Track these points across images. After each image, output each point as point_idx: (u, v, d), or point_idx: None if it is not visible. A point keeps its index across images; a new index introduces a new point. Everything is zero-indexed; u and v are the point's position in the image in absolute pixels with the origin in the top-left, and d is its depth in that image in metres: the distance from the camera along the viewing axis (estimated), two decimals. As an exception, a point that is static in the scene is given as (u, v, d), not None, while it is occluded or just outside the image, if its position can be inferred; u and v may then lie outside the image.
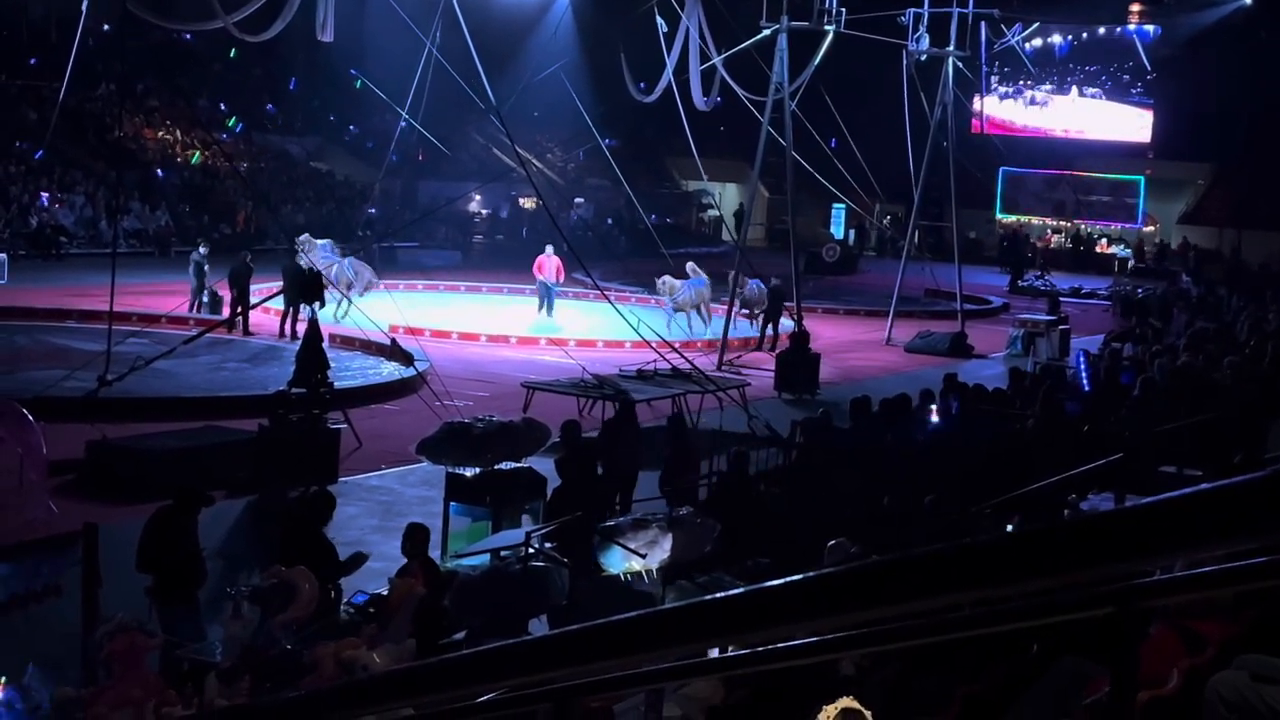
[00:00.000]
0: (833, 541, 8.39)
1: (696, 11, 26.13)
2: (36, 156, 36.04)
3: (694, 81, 27.21)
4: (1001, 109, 51.31)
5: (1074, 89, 51.01)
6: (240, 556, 12.02)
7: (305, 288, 19.48)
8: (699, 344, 24.49)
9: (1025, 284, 39.71)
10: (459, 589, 9.16)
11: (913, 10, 27.59)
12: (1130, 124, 50.65)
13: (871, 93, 33.12)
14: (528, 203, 44.18)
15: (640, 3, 26.68)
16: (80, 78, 29.64)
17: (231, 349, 22.64)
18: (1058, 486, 10.26)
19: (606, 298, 22.43)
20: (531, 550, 9.55)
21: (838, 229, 51.59)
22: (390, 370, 20.81)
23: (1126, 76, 50.25)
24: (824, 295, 33.10)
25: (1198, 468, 11.07)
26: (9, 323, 23.50)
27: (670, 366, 19.26)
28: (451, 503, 12.13)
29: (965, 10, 27.94)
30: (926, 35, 27.92)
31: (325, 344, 15.91)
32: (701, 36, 26.57)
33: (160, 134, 42.23)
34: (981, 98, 48.16)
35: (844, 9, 25.69)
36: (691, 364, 19.26)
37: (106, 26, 37.67)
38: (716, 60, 26.88)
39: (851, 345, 27.57)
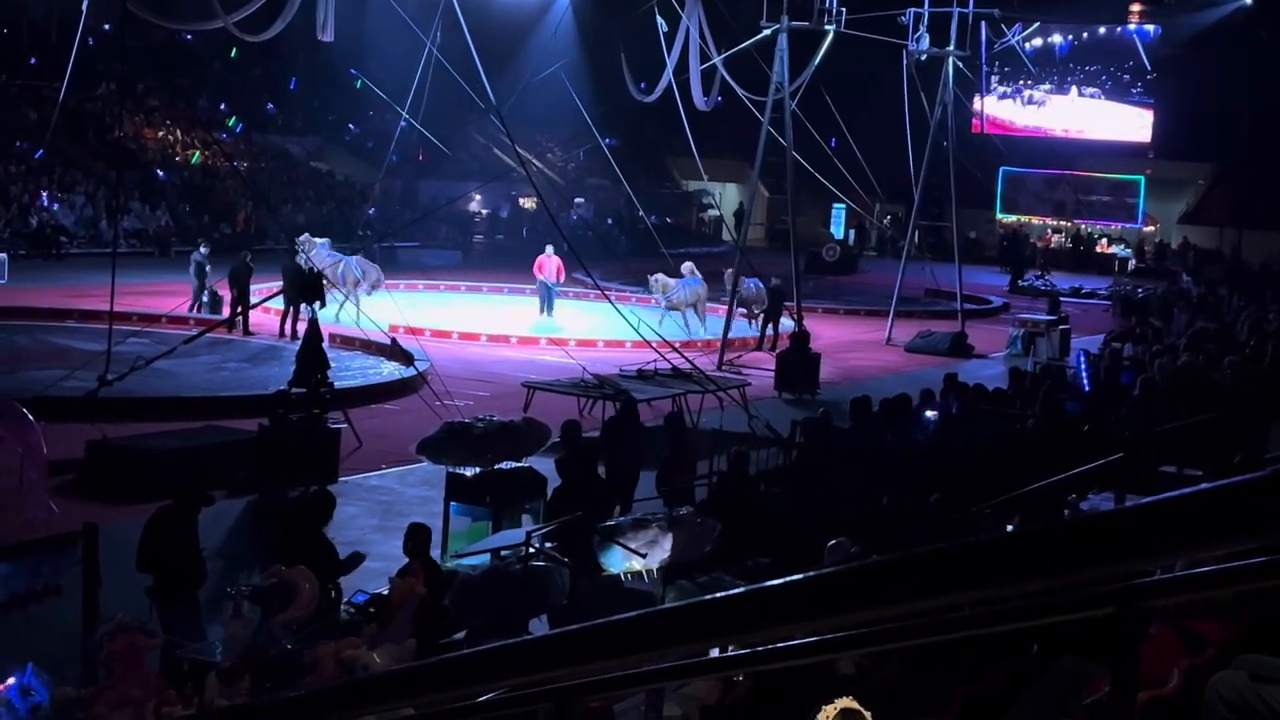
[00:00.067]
0: (833, 541, 8.40)
1: (697, 11, 26.13)
2: (37, 156, 36.04)
3: (694, 81, 27.21)
4: (1002, 109, 51.30)
5: (1073, 89, 51.00)
6: (240, 556, 12.02)
7: (305, 287, 19.50)
8: (699, 344, 24.49)
9: (1025, 284, 39.71)
10: (459, 589, 9.16)
11: (913, 10, 27.59)
12: (1130, 124, 50.65)
13: (871, 93, 33.11)
14: (528, 202, 44.18)
15: (640, 3, 26.68)
16: (80, 77, 29.65)
17: (231, 349, 22.64)
18: (1058, 486, 10.26)
19: (607, 298, 22.43)
20: (532, 550, 9.55)
21: (838, 229, 51.60)
22: (390, 370, 20.81)
23: (1127, 76, 50.25)
24: (824, 295, 33.10)
25: (1198, 468, 11.07)
26: (9, 322, 23.50)
27: (670, 366, 19.28)
28: (452, 502, 12.14)
29: (965, 10, 27.94)
30: (927, 35, 27.92)
31: (325, 344, 15.91)
32: (702, 36, 26.57)
33: (160, 134, 42.23)
34: (982, 98, 48.18)
35: (844, 9, 25.68)
36: (692, 364, 19.27)
37: (107, 26, 37.67)
38: (717, 60, 26.88)
39: (852, 345, 27.57)
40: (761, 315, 26.34)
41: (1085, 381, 17.88)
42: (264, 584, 8.35)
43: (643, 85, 29.55)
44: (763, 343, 25.64)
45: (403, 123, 26.84)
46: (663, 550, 9.88)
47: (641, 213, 31.41)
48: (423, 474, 14.67)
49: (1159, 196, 49.76)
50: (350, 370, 20.44)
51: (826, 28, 25.72)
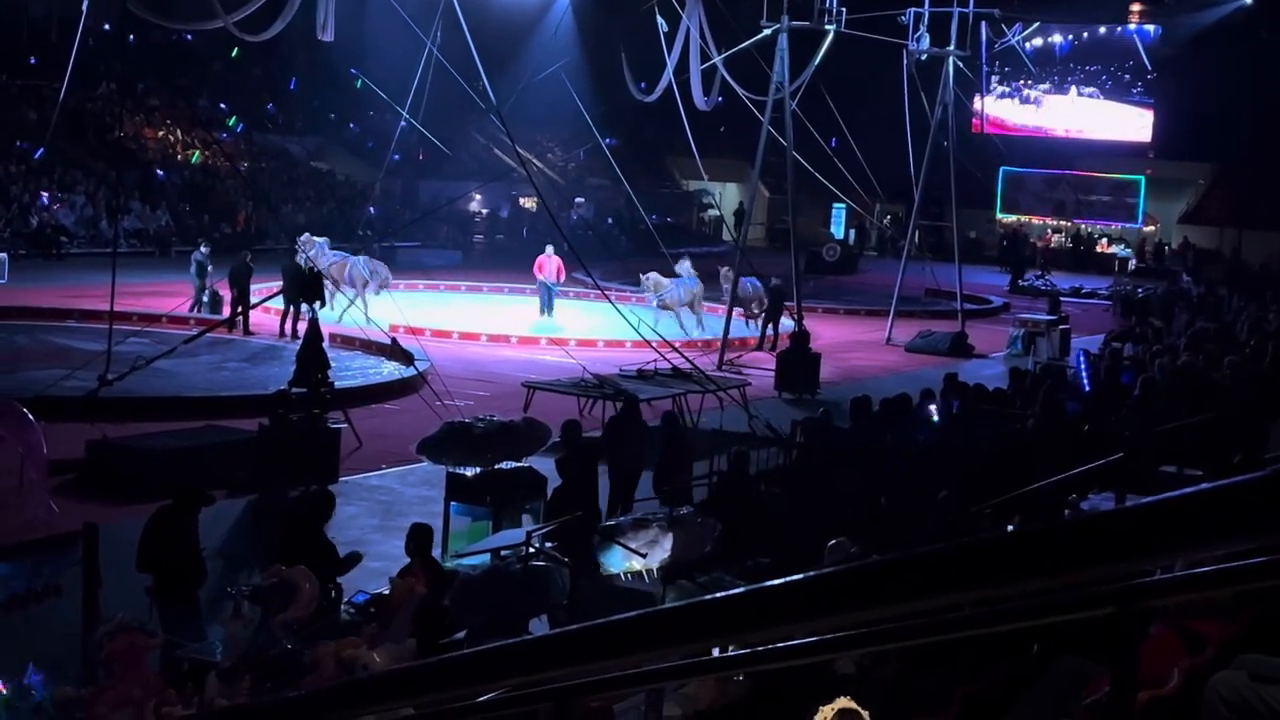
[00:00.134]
0: (833, 541, 8.39)
1: (697, 11, 26.12)
2: (37, 156, 36.03)
3: (694, 81, 27.20)
4: (1001, 109, 51.29)
5: (1073, 89, 51.00)
6: (240, 556, 12.02)
7: (305, 287, 19.49)
8: (699, 344, 24.48)
9: (1025, 284, 39.71)
10: (459, 589, 9.16)
11: (913, 10, 27.59)
12: (1130, 124, 50.65)
13: (872, 92, 33.11)
14: (528, 202, 44.18)
15: (641, 2, 26.67)
16: (80, 77, 29.61)
17: (232, 349, 22.65)
18: (1058, 486, 10.25)
19: (607, 297, 22.43)
20: (532, 550, 9.55)
21: (838, 229, 51.61)
22: (391, 370, 20.81)
23: (1127, 76, 50.25)
24: (824, 295, 33.10)
25: (1198, 468, 11.07)
26: (10, 322, 23.50)
27: (670, 366, 19.28)
28: (452, 502, 12.14)
29: (966, 10, 27.93)
30: (927, 35, 27.91)
31: (325, 344, 15.91)
32: (702, 36, 26.56)
33: (160, 134, 42.23)
34: (982, 98, 48.16)
35: (844, 9, 25.68)
36: (692, 364, 19.27)
37: (107, 26, 37.66)
38: (717, 60, 26.87)
39: (852, 345, 27.57)
40: (761, 315, 26.33)
41: (1085, 381, 17.88)
42: (264, 584, 8.36)
43: (643, 85, 29.54)
44: (763, 342, 25.63)
45: (403, 123, 26.83)
46: (663, 550, 9.88)
47: (642, 212, 31.41)
48: (423, 474, 14.67)
49: (1159, 196, 49.75)
50: (350, 370, 20.44)
51: (827, 28, 25.71)
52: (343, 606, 9.31)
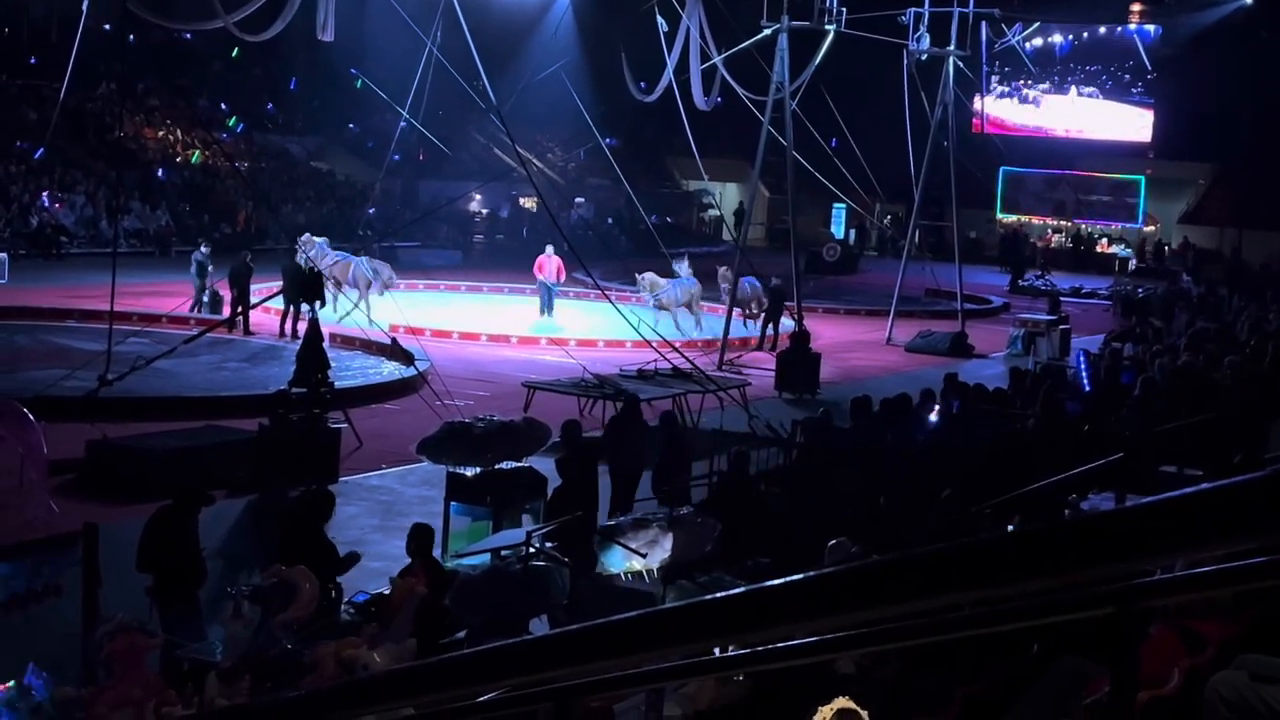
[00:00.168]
0: (833, 541, 8.39)
1: (697, 11, 26.13)
2: (37, 156, 36.03)
3: (694, 81, 27.20)
4: (1001, 109, 51.29)
5: (1072, 89, 50.99)
6: (240, 556, 12.03)
7: (305, 287, 19.49)
8: (699, 344, 24.47)
9: (1026, 284, 39.70)
10: (459, 589, 9.16)
11: (913, 10, 27.59)
12: (1131, 124, 50.64)
13: (872, 92, 33.10)
14: (528, 202, 44.18)
15: (641, 2, 26.67)
16: (81, 77, 29.58)
17: (232, 349, 22.65)
18: (1058, 486, 10.25)
19: (607, 297, 22.43)
20: (532, 550, 9.55)
21: (838, 228, 51.60)
22: (391, 370, 20.81)
23: (1127, 76, 50.24)
24: (824, 295, 33.09)
25: (1198, 468, 11.07)
26: (10, 322, 23.50)
27: (671, 366, 19.28)
28: (452, 502, 12.14)
29: (966, 10, 27.93)
30: (927, 35, 27.91)
31: (325, 343, 15.92)
32: (702, 36, 26.56)
33: (161, 133, 42.23)
34: (982, 98, 48.16)
35: (844, 9, 25.69)
36: (692, 364, 19.28)
37: (107, 26, 37.65)
38: (717, 60, 26.87)
39: (852, 345, 27.57)
40: (760, 315, 26.33)
41: (1085, 381, 17.88)
42: (264, 584, 8.36)
43: (643, 85, 29.54)
44: (763, 342, 25.62)
45: (403, 122, 26.84)
46: (663, 550, 9.88)
47: (642, 212, 31.42)
48: (423, 474, 14.67)
49: (1159, 196, 49.75)
50: (350, 370, 20.44)
51: (827, 28, 25.71)
52: (343, 606, 9.32)
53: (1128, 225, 50.06)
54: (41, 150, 35.16)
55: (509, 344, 24.74)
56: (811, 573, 1.99)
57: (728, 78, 27.23)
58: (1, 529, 12.03)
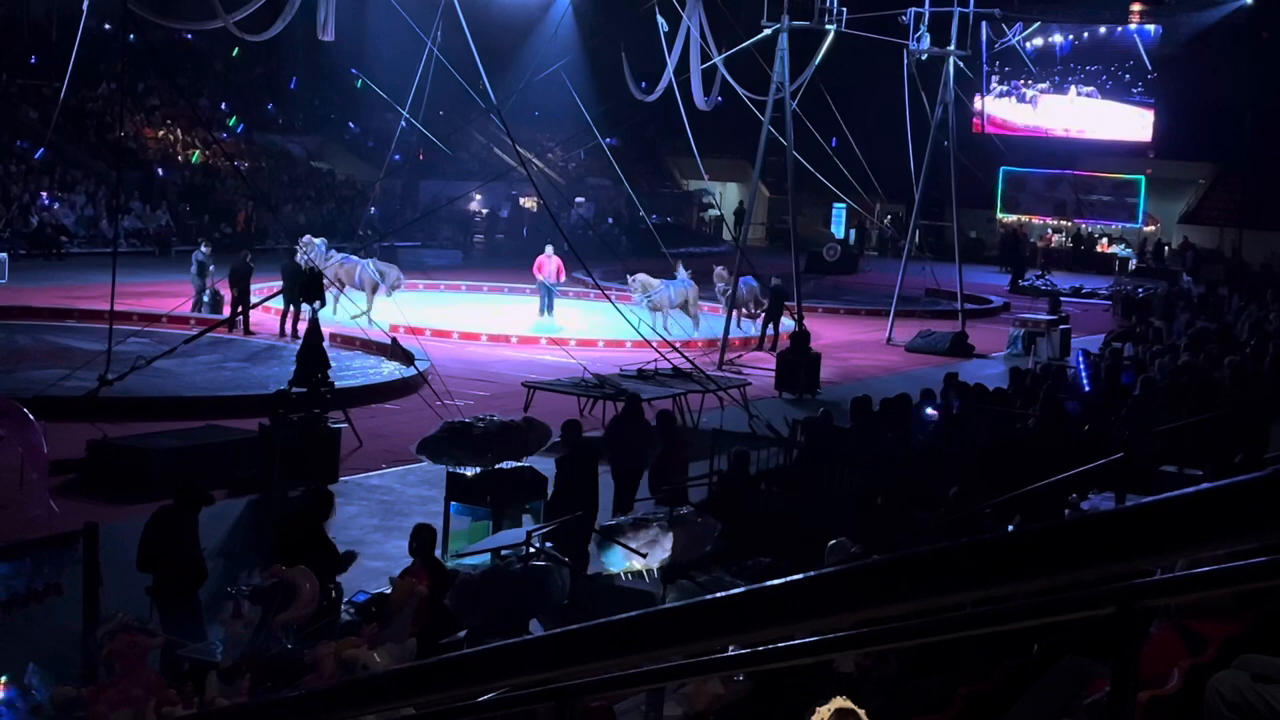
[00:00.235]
0: (833, 541, 8.40)
1: (697, 11, 26.13)
2: (37, 156, 36.02)
3: (695, 81, 27.20)
4: (1002, 109, 51.27)
5: (1072, 88, 50.98)
6: (241, 556, 12.03)
7: (305, 287, 19.49)
8: (699, 344, 24.46)
9: (1026, 283, 39.68)
10: (459, 589, 9.16)
11: (914, 9, 27.58)
12: (1131, 123, 50.62)
13: (872, 92, 33.09)
14: (528, 202, 44.17)
15: (641, 2, 26.67)
16: (81, 77, 29.63)
17: (232, 348, 22.65)
18: (1058, 486, 10.25)
19: (607, 297, 22.44)
20: (532, 550, 9.55)
21: (838, 228, 51.58)
22: (391, 370, 20.82)
23: (1127, 76, 50.22)
24: (825, 295, 33.10)
25: (1198, 468, 11.07)
26: (10, 322, 23.50)
27: (671, 366, 19.28)
28: (452, 502, 12.14)
29: (966, 10, 27.93)
30: (927, 34, 27.90)
31: (326, 343, 15.92)
32: (702, 35, 26.56)
33: (161, 133, 42.22)
34: (982, 97, 48.14)
35: (845, 8, 25.68)
36: (692, 364, 19.28)
37: (107, 25, 37.68)
38: (717, 59, 26.87)
39: (852, 345, 27.56)
40: (761, 315, 26.32)
41: (1085, 381, 17.88)
42: (264, 583, 8.36)
43: (643, 85, 29.54)
44: (763, 342, 25.62)
45: (403, 122, 26.84)
46: (663, 550, 9.89)
47: (642, 212, 31.42)
48: (423, 474, 14.68)
49: (1159, 196, 49.74)
50: (350, 370, 20.45)
51: (827, 27, 25.71)
52: (343, 606, 9.32)
53: (1128, 225, 50.04)
54: (42, 150, 35.16)
55: (509, 344, 24.73)
56: (811, 573, 1.99)
57: (728, 78, 27.23)
58: (2, 528, 12.03)
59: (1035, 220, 51.36)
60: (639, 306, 25.31)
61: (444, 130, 33.05)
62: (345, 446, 15.45)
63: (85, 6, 21.65)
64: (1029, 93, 50.99)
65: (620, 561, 9.95)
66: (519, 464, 12.34)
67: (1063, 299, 31.94)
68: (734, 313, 25.65)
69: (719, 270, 27.10)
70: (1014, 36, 37.52)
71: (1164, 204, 49.99)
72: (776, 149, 26.41)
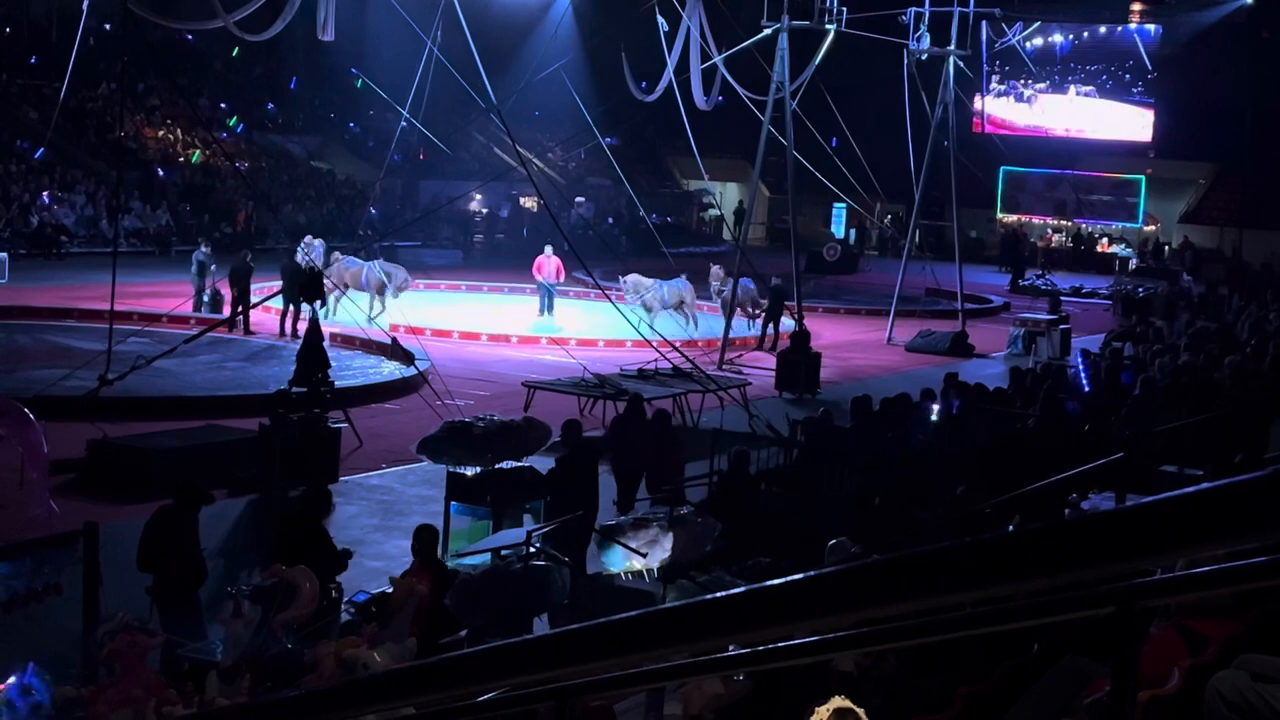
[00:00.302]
0: (833, 541, 8.40)
1: (697, 10, 26.13)
2: (37, 155, 36.02)
3: (695, 80, 27.20)
4: (1002, 109, 51.27)
5: (1072, 88, 50.97)
6: (241, 556, 12.03)
7: (305, 287, 19.49)
8: (700, 343, 24.46)
9: (1026, 283, 39.68)
10: (459, 589, 9.16)
11: (914, 9, 27.58)
12: (1131, 123, 50.61)
13: (872, 92, 33.07)
14: (528, 202, 44.17)
15: (641, 2, 26.67)
16: (81, 77, 29.61)
17: (232, 348, 22.65)
18: (1058, 486, 10.26)
19: (607, 297, 22.44)
20: (532, 550, 9.55)
21: (839, 228, 51.58)
22: (391, 369, 20.82)
23: (1127, 75, 50.22)
24: (825, 294, 33.10)
25: (1198, 468, 11.07)
26: (10, 322, 23.50)
27: (671, 366, 19.29)
28: (452, 502, 12.14)
29: (966, 9, 27.92)
30: (927, 34, 27.90)
31: (326, 343, 15.92)
32: (702, 35, 26.56)
33: (161, 133, 42.23)
34: (983, 97, 48.11)
35: (845, 8, 25.69)
36: (692, 363, 19.28)
37: (107, 25, 37.67)
38: (717, 59, 26.87)
39: (852, 345, 27.56)
40: (759, 315, 26.31)
41: (1085, 381, 17.88)
42: (264, 583, 8.35)
43: (644, 84, 29.54)
44: (763, 342, 25.61)
45: (403, 122, 26.85)
46: (663, 550, 9.89)
47: (642, 212, 31.42)
48: (423, 473, 14.68)
49: (1159, 196, 49.74)
50: (351, 370, 20.45)
51: (827, 27, 25.71)
52: (343, 606, 9.32)
53: (1128, 225, 50.04)
54: (42, 150, 35.16)
55: (509, 343, 24.73)
56: (811, 573, 1.99)
57: (728, 77, 27.23)
58: (2, 527, 12.03)
59: (1035, 220, 51.36)
60: (633, 306, 25.32)
61: (444, 130, 33.05)
62: (345, 446, 15.45)
63: (85, 6, 21.65)
64: (1027, 91, 50.98)
65: (620, 561, 9.95)
66: (519, 464, 12.34)
67: (1063, 299, 31.93)
68: (734, 313, 25.64)
69: (715, 269, 27.06)
70: (1014, 36, 37.51)
71: (1164, 204, 49.99)
72: (776, 149, 26.40)
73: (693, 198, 53.23)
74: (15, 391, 15.68)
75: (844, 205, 47.79)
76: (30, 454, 13.03)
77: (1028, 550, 1.76)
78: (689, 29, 26.17)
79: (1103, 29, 49.32)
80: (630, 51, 29.73)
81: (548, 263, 27.31)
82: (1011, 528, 8.38)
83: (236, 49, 42.38)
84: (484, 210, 45.71)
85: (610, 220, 45.37)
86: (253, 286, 24.44)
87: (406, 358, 20.46)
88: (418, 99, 24.75)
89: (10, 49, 40.45)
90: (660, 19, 26.30)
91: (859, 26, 26.56)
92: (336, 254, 25.75)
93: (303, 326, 18.60)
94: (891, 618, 2.19)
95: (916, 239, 31.43)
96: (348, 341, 22.30)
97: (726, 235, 45.89)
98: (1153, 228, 50.05)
